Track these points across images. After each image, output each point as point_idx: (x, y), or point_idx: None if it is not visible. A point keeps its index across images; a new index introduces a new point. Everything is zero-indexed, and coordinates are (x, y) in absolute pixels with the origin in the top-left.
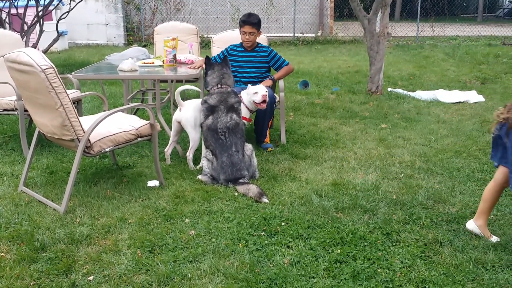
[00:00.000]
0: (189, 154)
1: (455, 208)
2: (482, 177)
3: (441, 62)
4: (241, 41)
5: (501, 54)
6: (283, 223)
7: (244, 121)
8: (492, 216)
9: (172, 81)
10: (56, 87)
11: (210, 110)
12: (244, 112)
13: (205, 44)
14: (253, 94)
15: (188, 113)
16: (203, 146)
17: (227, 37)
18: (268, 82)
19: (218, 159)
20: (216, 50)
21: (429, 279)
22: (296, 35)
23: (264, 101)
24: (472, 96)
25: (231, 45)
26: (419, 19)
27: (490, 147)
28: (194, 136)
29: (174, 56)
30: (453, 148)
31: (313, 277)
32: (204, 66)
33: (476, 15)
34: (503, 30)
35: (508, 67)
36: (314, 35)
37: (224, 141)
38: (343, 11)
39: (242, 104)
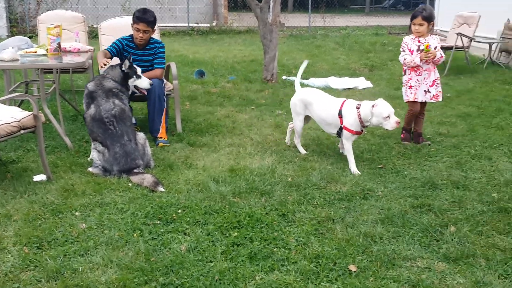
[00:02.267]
0: (295, 139)
1: (346, 187)
2: (370, 157)
3: (332, 51)
4: (131, 33)
5: (387, 43)
6: (179, 211)
7: (353, 135)
8: (380, 192)
9: (57, 71)
10: None
11: (89, 97)
12: (356, 125)
13: (94, 34)
14: (384, 119)
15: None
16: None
17: (116, 25)
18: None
19: (110, 150)
20: (104, 38)
21: (323, 254)
22: (191, 25)
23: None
24: (361, 83)
25: (123, 38)
26: (310, 10)
27: (377, 129)
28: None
29: (59, 44)
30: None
31: (211, 261)
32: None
33: (364, 6)
34: (389, 20)
35: (393, 55)
36: (209, 25)
37: (113, 131)
38: (237, 2)
39: (356, 115)
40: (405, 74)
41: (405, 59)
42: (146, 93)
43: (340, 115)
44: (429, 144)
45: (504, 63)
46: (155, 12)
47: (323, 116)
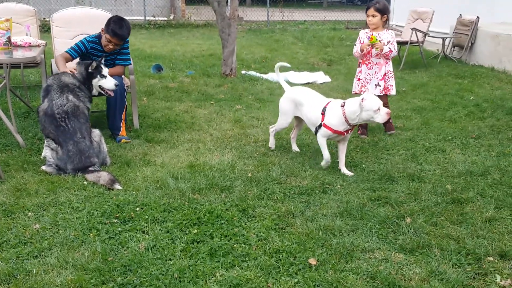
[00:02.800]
0: (271, 129)
1: (305, 181)
2: (330, 151)
3: (291, 45)
4: (98, 34)
5: (344, 37)
6: (137, 209)
7: (332, 134)
8: (339, 186)
9: (7, 66)
10: None
11: (46, 90)
12: (339, 124)
13: (47, 28)
14: (374, 112)
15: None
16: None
17: (69, 16)
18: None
19: (63, 148)
20: (56, 30)
21: (283, 249)
22: (148, 18)
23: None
24: (320, 77)
25: (88, 41)
26: (269, 4)
27: None
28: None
29: (9, 38)
30: (303, 125)
31: (170, 259)
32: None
33: (321, 1)
34: (346, 15)
35: (351, 50)
36: (166, 18)
37: (65, 127)
38: None
39: (341, 115)
40: (359, 66)
41: (354, 52)
42: (112, 94)
43: (323, 112)
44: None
45: (456, 58)
46: (110, 4)
47: (309, 116)
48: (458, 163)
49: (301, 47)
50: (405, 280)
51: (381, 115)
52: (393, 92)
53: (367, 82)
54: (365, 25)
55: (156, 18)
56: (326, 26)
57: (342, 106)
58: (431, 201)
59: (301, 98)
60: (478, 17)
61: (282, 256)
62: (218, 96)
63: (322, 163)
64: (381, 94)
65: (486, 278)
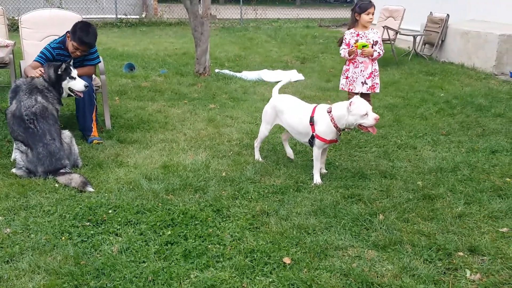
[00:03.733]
0: (255, 142)
1: (280, 180)
2: (303, 149)
3: (265, 44)
4: (62, 39)
5: (317, 35)
6: (110, 211)
7: (326, 144)
8: (312, 184)
9: None
10: None
11: (14, 91)
12: (329, 132)
13: (16, 27)
14: (361, 117)
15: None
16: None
17: (38, 18)
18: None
19: (33, 150)
20: (25, 32)
21: (257, 248)
22: (119, 16)
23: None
24: (293, 75)
25: (53, 47)
26: (242, 2)
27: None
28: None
29: None
30: (277, 124)
31: (144, 262)
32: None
33: None
34: (319, 13)
35: (324, 47)
36: (138, 16)
37: (34, 129)
38: None
39: (329, 120)
40: (346, 64)
41: (341, 53)
42: (81, 95)
43: (311, 122)
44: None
45: (427, 55)
46: (80, 2)
47: (293, 124)
48: (428, 159)
49: (275, 45)
50: (377, 277)
51: (369, 120)
52: (377, 90)
53: (354, 80)
54: (350, 23)
55: (128, 17)
56: (299, 24)
57: (329, 112)
58: (402, 198)
59: (282, 106)
60: (448, 15)
61: (257, 256)
62: (191, 95)
63: (316, 181)
64: (368, 92)
65: (456, 273)
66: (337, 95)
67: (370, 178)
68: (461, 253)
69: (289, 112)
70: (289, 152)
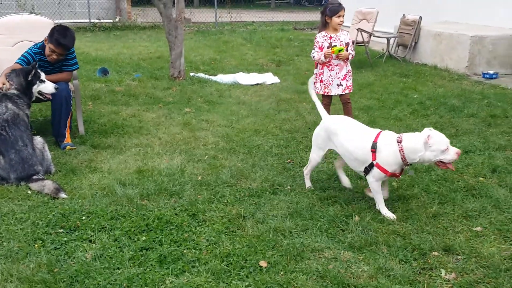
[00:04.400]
0: (305, 169)
1: (256, 183)
2: (279, 152)
3: (240, 47)
4: (41, 44)
5: (293, 38)
6: (83, 217)
7: (386, 176)
8: (289, 187)
9: None
10: None
11: None
12: (393, 163)
13: None
14: (442, 152)
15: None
16: None
17: (9, 23)
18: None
19: (5, 157)
20: None
21: (233, 252)
22: (92, 21)
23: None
24: (269, 78)
25: (34, 52)
26: (216, 5)
27: (285, 124)
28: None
29: None
30: (253, 127)
31: (118, 268)
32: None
33: (269, 1)
34: (294, 16)
35: (299, 50)
36: (111, 20)
37: (6, 136)
38: None
39: (397, 150)
40: (317, 67)
41: (313, 57)
42: (51, 97)
43: (373, 148)
44: None
45: (401, 57)
46: (53, 7)
47: (350, 149)
48: None
49: (250, 48)
50: (353, 278)
51: (450, 155)
52: (351, 89)
53: (330, 83)
54: (320, 26)
55: (102, 21)
56: (274, 27)
57: (399, 141)
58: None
59: (336, 128)
60: (420, 17)
61: (233, 260)
62: (166, 99)
63: (387, 215)
64: (344, 93)
65: (431, 273)
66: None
67: None
68: (436, 253)
69: (345, 135)
70: (345, 181)
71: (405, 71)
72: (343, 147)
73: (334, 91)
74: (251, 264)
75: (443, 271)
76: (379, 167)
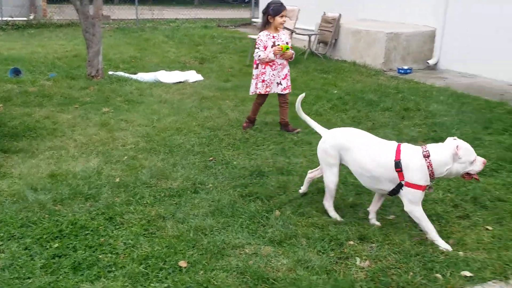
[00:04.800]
0: (325, 201)
1: (177, 182)
2: (201, 150)
3: (162, 44)
4: None
5: (216, 36)
6: None
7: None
8: (210, 185)
9: None
10: None
11: None
12: (424, 180)
13: None
14: (471, 163)
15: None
16: None
17: None
18: None
19: None
20: None
21: (152, 254)
22: (4, 19)
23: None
24: (192, 76)
25: None
26: (137, 2)
27: (208, 122)
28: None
29: None
30: (174, 126)
31: (29, 278)
32: None
33: None
34: (218, 13)
35: (222, 47)
36: (26, 18)
37: None
38: None
39: (427, 168)
40: (257, 68)
41: (259, 56)
42: None
43: (398, 167)
44: (298, 132)
45: (322, 53)
46: None
47: (369, 167)
48: None
49: (172, 46)
50: (273, 272)
51: (477, 166)
52: (290, 90)
53: (272, 83)
54: (261, 26)
55: (14, 19)
56: (198, 24)
57: (426, 156)
58: (298, 193)
59: (348, 143)
60: (340, 14)
61: (151, 262)
62: (83, 99)
63: (441, 245)
64: (283, 93)
65: (347, 262)
66: (235, 95)
67: (267, 175)
68: (351, 242)
69: (360, 150)
70: (304, 189)
71: (325, 68)
72: (357, 164)
73: (274, 89)
74: (170, 265)
75: (358, 259)
76: (412, 185)
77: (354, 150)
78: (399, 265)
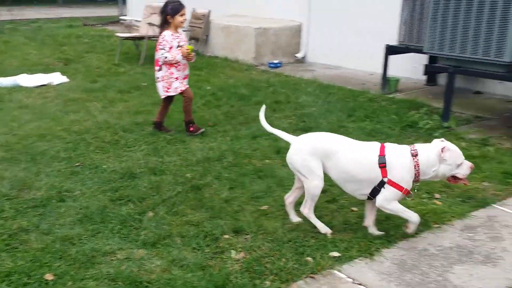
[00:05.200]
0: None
1: (40, 192)
2: (67, 156)
3: (23, 46)
4: None
5: (82, 35)
6: None
7: (403, 195)
8: (78, 192)
9: None
10: None
11: None
12: (409, 179)
13: None
14: (458, 166)
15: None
16: None
17: None
18: None
19: None
20: None
21: (15, 270)
22: None
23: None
24: (56, 78)
25: None
26: None
27: (74, 125)
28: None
29: None
30: (37, 132)
31: None
32: None
33: None
34: (83, 11)
35: (89, 47)
36: None
37: None
38: None
39: (412, 165)
40: (161, 69)
41: (166, 57)
42: None
43: (382, 163)
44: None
45: (194, 50)
46: None
47: (352, 170)
48: (197, 151)
49: (34, 47)
50: (147, 274)
51: (464, 169)
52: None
53: (181, 82)
54: (161, 26)
55: None
56: (62, 23)
57: (414, 155)
58: (172, 192)
59: (328, 147)
60: (209, 10)
61: (15, 278)
62: None
63: (413, 227)
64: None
65: (223, 256)
66: (104, 96)
67: (139, 177)
68: (227, 236)
69: (343, 153)
70: (295, 218)
71: (198, 64)
72: (339, 168)
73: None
74: (36, 280)
75: (233, 252)
76: (393, 185)
77: (339, 155)
78: (273, 253)
